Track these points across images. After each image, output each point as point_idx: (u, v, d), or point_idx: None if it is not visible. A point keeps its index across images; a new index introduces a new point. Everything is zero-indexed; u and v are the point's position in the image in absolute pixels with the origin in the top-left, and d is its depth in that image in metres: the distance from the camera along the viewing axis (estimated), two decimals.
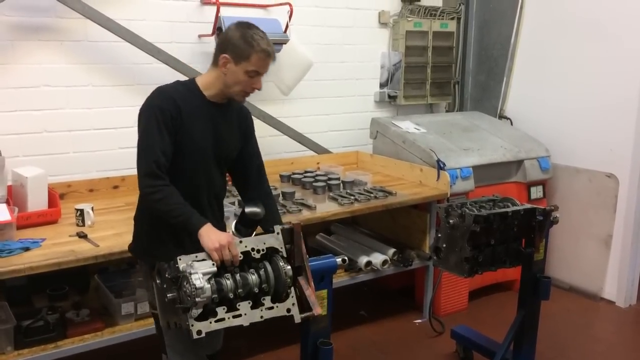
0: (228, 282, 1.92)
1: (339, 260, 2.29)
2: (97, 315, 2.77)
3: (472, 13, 4.87)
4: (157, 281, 1.97)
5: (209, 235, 1.96)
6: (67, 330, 2.62)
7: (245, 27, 2.14)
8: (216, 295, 1.86)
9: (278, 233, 2.06)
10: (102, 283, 2.94)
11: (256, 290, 1.97)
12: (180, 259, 1.88)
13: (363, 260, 3.46)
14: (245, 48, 2.09)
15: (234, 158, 2.33)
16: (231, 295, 1.92)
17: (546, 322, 3.37)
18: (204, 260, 1.92)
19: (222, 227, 2.27)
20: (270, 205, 2.39)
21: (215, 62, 2.17)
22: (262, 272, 1.99)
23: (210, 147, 2.19)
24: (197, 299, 1.82)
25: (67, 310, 2.77)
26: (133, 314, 2.76)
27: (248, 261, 2.01)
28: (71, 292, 2.97)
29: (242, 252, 1.98)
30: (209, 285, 1.85)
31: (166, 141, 2.06)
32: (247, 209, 2.16)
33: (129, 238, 2.63)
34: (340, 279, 3.36)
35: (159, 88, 2.15)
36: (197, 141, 2.15)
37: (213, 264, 1.91)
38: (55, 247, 2.53)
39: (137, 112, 3.58)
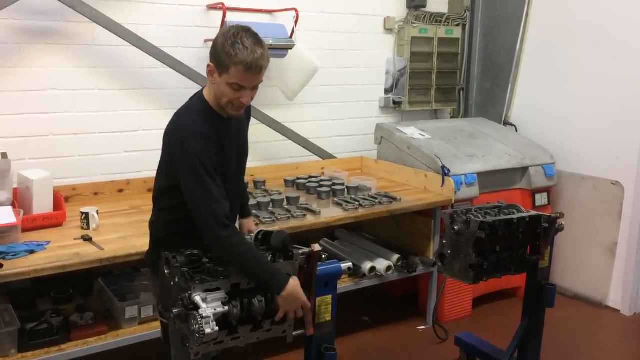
0: (235, 311, 1.91)
1: (344, 266, 2.29)
2: (101, 319, 2.77)
3: (478, 19, 4.88)
4: (166, 270, 1.96)
5: (291, 298, 1.97)
6: (71, 333, 2.62)
7: (231, 33, 1.93)
8: (218, 328, 1.84)
9: (296, 260, 2.05)
10: (106, 286, 2.94)
11: (259, 317, 1.98)
12: (194, 288, 1.86)
13: (367, 265, 3.46)
14: (224, 59, 1.91)
15: None
16: (235, 323, 1.93)
17: (550, 330, 3.36)
18: (217, 290, 1.90)
19: None
20: (244, 187, 2.46)
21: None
22: (269, 296, 1.98)
23: (235, 163, 2.16)
24: (203, 340, 1.82)
25: (71, 314, 2.77)
26: (137, 317, 2.75)
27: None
28: (75, 295, 2.97)
29: None
30: (217, 329, 1.82)
31: (220, 185, 1.98)
32: (276, 239, 2.05)
33: (133, 241, 2.65)
34: (344, 285, 3.35)
35: (191, 129, 1.98)
36: (228, 164, 2.10)
37: (226, 297, 1.89)
38: (60, 250, 2.54)
39: (142, 116, 3.58)
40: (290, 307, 1.99)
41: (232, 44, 1.91)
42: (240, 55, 1.89)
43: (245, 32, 1.95)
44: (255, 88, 2.02)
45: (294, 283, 1.98)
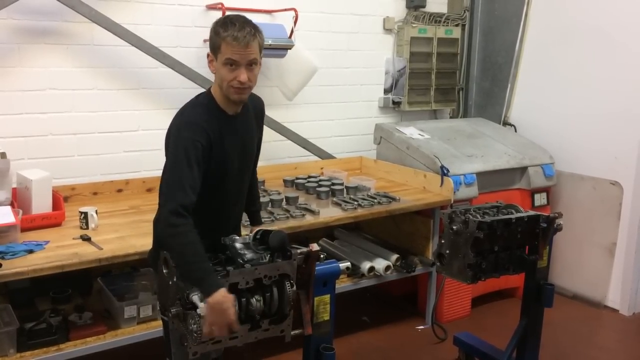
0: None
1: (342, 266, 2.29)
2: (100, 319, 2.77)
3: (477, 20, 4.88)
4: (164, 270, 1.96)
5: (214, 310, 1.81)
6: (70, 333, 2.62)
7: (222, 18, 2.06)
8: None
9: (294, 260, 2.04)
10: (105, 286, 2.94)
11: (258, 317, 1.97)
12: (192, 287, 1.86)
13: (366, 265, 3.46)
14: (216, 39, 2.01)
15: None
16: None
17: (549, 330, 3.36)
18: None
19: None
20: (257, 194, 2.51)
21: None
22: (267, 296, 1.98)
23: (238, 162, 2.15)
24: (200, 340, 1.82)
25: (69, 313, 2.77)
26: (135, 317, 2.76)
27: (257, 285, 1.99)
28: (74, 295, 2.97)
29: (254, 279, 1.95)
30: None
31: (195, 176, 1.96)
32: (274, 238, 2.03)
33: (132, 241, 2.65)
34: (343, 284, 3.35)
35: (187, 118, 2.04)
36: (228, 163, 2.10)
37: None
38: (59, 250, 2.54)
39: (141, 116, 3.59)
40: (214, 319, 1.81)
41: (222, 24, 2.01)
42: (230, 29, 1.98)
43: (236, 15, 2.05)
44: (250, 66, 2.02)
45: (224, 294, 1.83)
